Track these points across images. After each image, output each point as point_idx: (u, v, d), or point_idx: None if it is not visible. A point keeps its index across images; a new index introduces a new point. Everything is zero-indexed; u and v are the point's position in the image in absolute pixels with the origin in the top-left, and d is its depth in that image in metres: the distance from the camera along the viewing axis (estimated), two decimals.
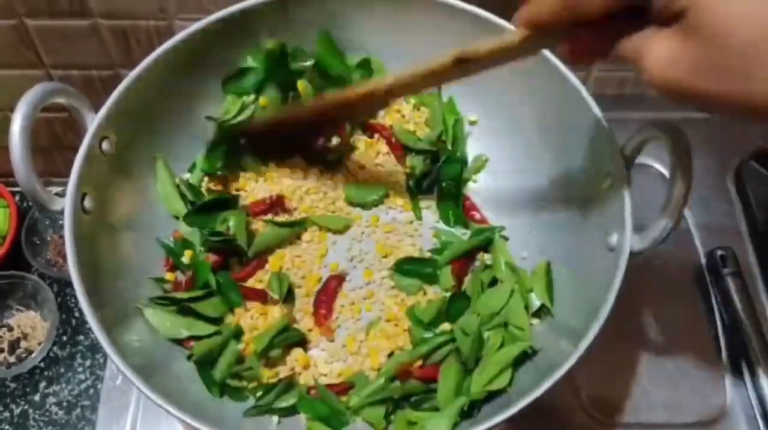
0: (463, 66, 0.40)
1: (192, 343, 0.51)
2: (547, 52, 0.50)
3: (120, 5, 0.59)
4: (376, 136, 0.60)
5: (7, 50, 0.63)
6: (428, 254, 0.56)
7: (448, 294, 0.54)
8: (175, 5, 0.58)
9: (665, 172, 0.64)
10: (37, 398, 0.63)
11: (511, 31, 0.38)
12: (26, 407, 0.63)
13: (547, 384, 0.42)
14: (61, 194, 0.45)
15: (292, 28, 0.55)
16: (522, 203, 0.58)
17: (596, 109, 0.48)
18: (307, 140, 0.58)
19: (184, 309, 0.51)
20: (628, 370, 0.58)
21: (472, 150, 0.60)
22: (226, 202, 0.55)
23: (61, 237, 0.71)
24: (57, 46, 0.63)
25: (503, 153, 0.59)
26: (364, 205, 0.58)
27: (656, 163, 0.65)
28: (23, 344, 0.66)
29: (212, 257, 0.53)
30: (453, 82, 0.43)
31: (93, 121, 0.47)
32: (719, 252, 0.60)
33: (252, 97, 0.57)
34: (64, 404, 0.63)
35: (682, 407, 0.56)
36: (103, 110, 0.47)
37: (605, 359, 0.56)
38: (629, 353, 0.58)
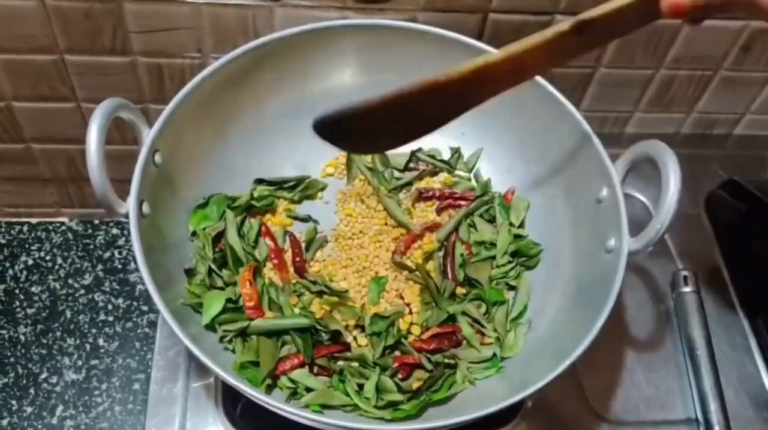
0: (584, 35, 0.38)
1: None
2: (542, 81, 0.57)
3: (160, 44, 0.64)
4: None
5: (42, 85, 0.67)
6: None
7: None
8: (212, 44, 0.64)
9: (647, 202, 0.72)
10: None
11: None
12: None
13: (555, 372, 0.47)
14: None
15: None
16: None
17: (589, 130, 0.56)
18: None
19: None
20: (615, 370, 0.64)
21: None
22: None
23: None
24: (92, 81, 0.67)
25: (503, 172, 0.66)
26: None
27: (638, 193, 0.72)
28: None
29: None
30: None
31: (148, 134, 0.52)
32: (682, 273, 0.66)
33: None
34: None
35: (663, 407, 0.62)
36: (157, 124, 0.52)
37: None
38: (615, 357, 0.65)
